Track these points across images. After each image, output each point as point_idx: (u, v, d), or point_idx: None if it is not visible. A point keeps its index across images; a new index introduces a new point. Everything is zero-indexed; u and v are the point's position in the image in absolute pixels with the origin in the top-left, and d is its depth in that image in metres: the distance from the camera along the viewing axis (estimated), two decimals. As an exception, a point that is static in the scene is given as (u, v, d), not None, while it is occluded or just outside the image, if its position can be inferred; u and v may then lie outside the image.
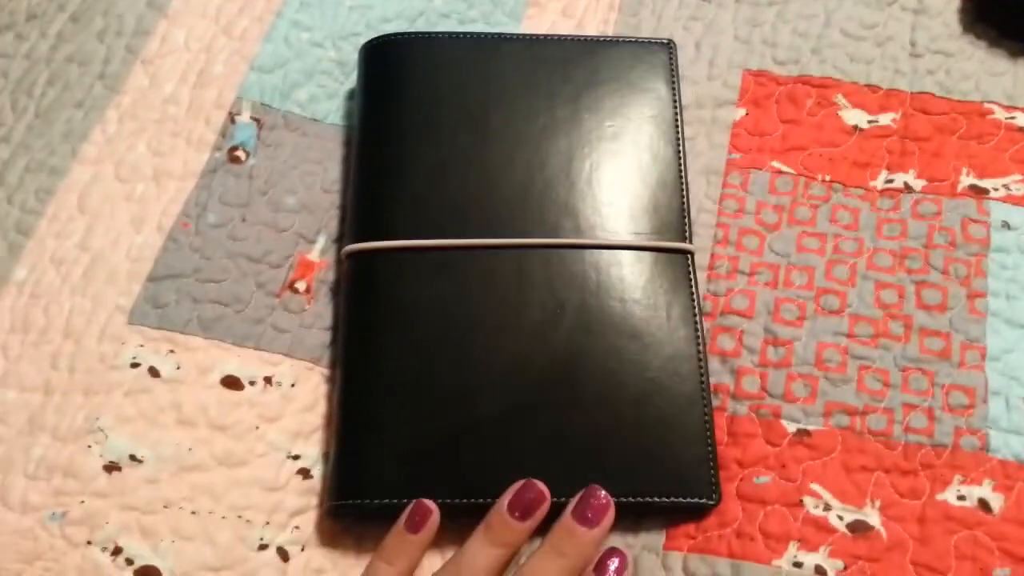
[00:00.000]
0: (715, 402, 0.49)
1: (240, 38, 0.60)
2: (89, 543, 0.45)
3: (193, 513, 0.46)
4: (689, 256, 0.51)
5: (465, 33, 0.57)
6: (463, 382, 0.48)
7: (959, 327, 0.50)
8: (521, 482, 0.44)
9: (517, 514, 0.43)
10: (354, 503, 0.46)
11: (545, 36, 0.58)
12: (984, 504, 0.46)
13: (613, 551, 0.43)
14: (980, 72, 0.58)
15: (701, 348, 0.49)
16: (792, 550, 0.45)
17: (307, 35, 0.60)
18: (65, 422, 0.48)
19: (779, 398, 0.49)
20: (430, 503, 0.44)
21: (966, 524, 0.45)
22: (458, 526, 0.45)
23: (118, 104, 0.57)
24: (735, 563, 0.45)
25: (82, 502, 0.46)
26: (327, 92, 0.59)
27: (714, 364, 0.50)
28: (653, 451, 0.47)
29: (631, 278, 0.50)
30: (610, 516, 0.44)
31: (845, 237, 0.53)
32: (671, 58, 0.57)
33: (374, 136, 0.54)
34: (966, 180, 0.55)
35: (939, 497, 0.46)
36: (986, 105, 0.57)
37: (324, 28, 0.60)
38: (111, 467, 0.47)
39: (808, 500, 0.46)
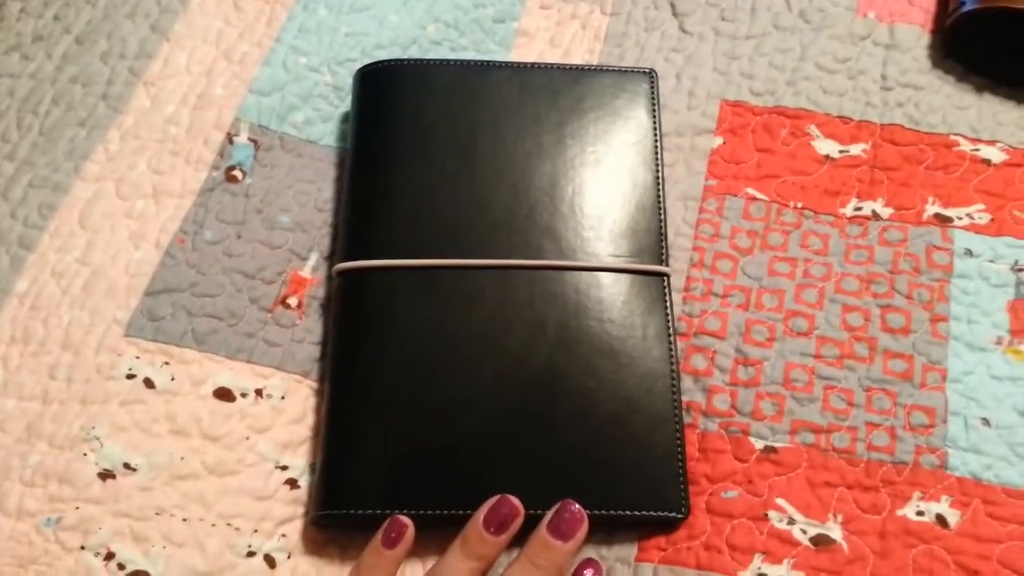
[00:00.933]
0: (687, 419, 0.51)
1: (240, 62, 0.62)
2: (82, 548, 0.47)
3: (184, 520, 0.48)
4: (665, 278, 0.53)
5: (455, 60, 0.59)
6: (447, 398, 0.49)
7: (922, 350, 0.52)
8: (496, 498, 0.46)
9: (492, 529, 0.45)
10: (338, 513, 0.47)
11: (532, 64, 0.59)
12: (941, 519, 0.48)
13: (588, 562, 0.45)
14: (947, 105, 0.61)
15: (675, 367, 0.51)
16: (757, 562, 0.47)
17: (304, 60, 0.62)
18: (62, 430, 0.50)
19: (748, 416, 0.51)
20: (405, 519, 0.46)
21: (924, 539, 0.47)
22: (439, 536, 0.47)
23: (120, 124, 0.59)
24: (703, 574, 0.47)
25: (77, 508, 0.48)
26: (322, 115, 0.61)
27: (687, 382, 0.52)
28: (626, 466, 0.49)
29: (609, 299, 0.52)
30: (583, 529, 0.45)
31: (815, 262, 0.55)
32: (652, 87, 0.59)
33: (366, 158, 0.56)
34: (931, 209, 0.57)
35: (899, 513, 0.48)
36: (952, 137, 0.59)
37: (321, 53, 0.63)
38: (105, 475, 0.49)
39: (773, 514, 0.48)
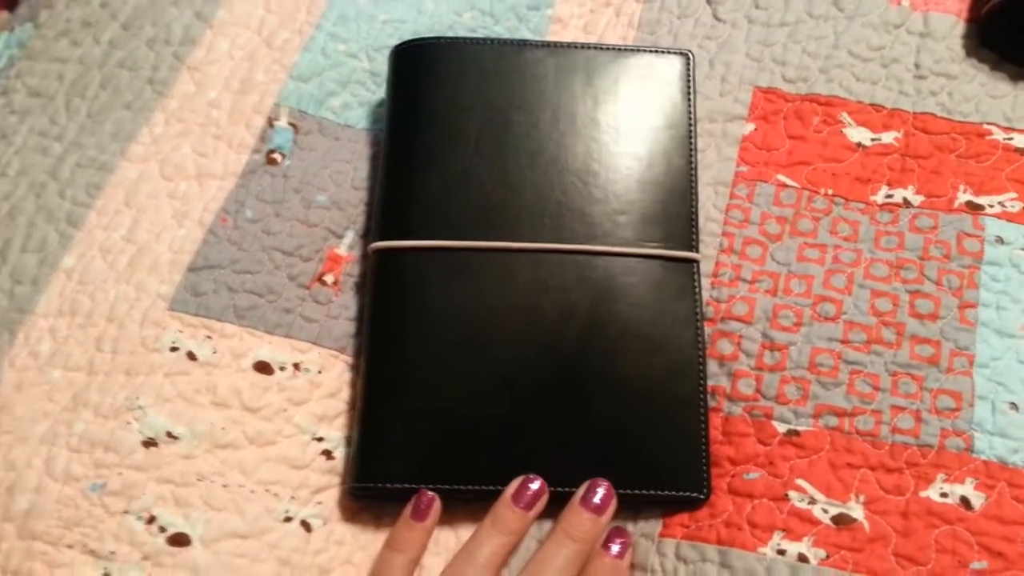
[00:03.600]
0: (712, 403, 0.52)
1: (280, 48, 0.63)
2: (126, 512, 0.49)
3: (224, 486, 0.50)
4: (695, 264, 0.54)
5: (491, 39, 0.59)
6: (478, 377, 0.51)
7: (949, 335, 0.52)
8: (523, 477, 0.48)
9: (521, 505, 0.47)
10: (373, 486, 0.49)
11: (568, 44, 0.59)
12: (966, 501, 0.48)
13: (617, 531, 0.47)
14: (981, 94, 0.60)
15: (701, 353, 0.52)
16: (776, 539, 0.48)
17: (343, 47, 0.64)
18: (107, 400, 0.51)
19: (772, 400, 0.51)
20: (430, 493, 0.48)
21: (947, 520, 0.47)
22: (470, 509, 0.48)
23: (165, 107, 0.61)
24: (723, 550, 0.47)
25: (120, 474, 0.49)
26: (360, 100, 0.62)
27: (712, 367, 0.53)
28: (651, 448, 0.49)
29: (639, 284, 0.53)
30: (614, 504, 0.48)
31: (844, 248, 0.56)
32: (688, 69, 0.59)
33: (401, 138, 0.57)
34: (963, 197, 0.57)
35: (922, 494, 0.48)
36: (985, 126, 0.59)
37: (359, 40, 0.64)
38: (149, 443, 0.50)
39: (794, 494, 0.49)
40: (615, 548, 0.47)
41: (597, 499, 0.47)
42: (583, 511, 0.47)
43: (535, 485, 0.48)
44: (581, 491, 0.48)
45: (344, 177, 0.59)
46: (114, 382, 0.52)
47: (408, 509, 0.48)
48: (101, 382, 0.52)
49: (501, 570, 0.47)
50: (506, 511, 0.47)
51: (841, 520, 0.48)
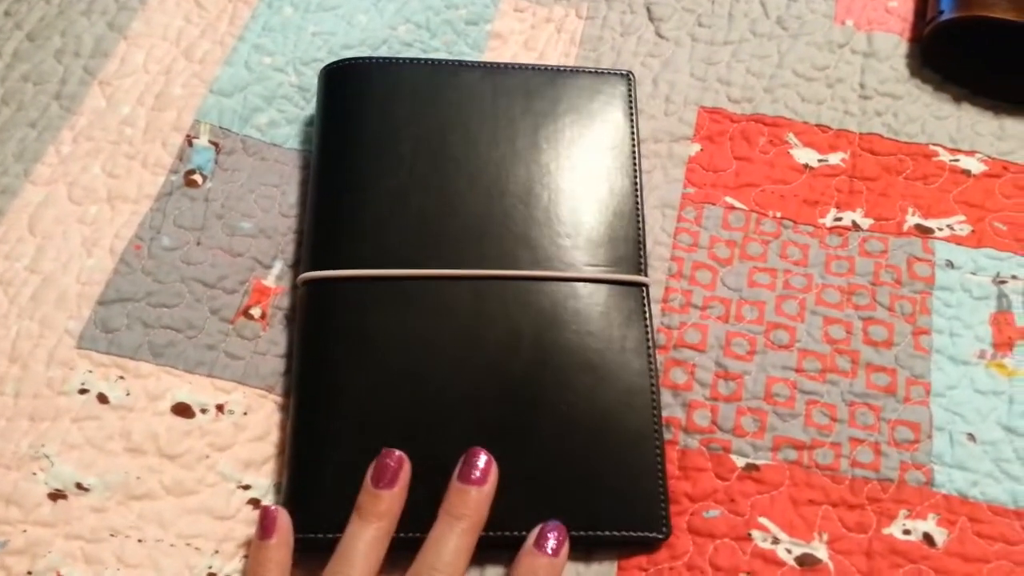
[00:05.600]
0: (667, 435, 0.49)
1: (200, 61, 0.59)
2: (30, 573, 0.44)
3: (140, 541, 0.46)
4: (644, 289, 0.52)
5: (425, 59, 0.58)
6: (418, 415, 0.48)
7: (904, 363, 0.51)
8: (379, 455, 0.45)
9: (383, 484, 0.45)
10: (306, 538, 0.45)
11: (506, 64, 0.58)
12: (928, 538, 0.47)
13: (550, 526, 0.45)
14: (926, 115, 0.60)
15: (654, 382, 0.49)
16: (741, 583, 0.46)
17: (269, 59, 0.60)
18: (9, 448, 0.47)
19: (729, 432, 0.49)
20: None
21: (911, 558, 0.46)
22: (407, 557, 0.45)
23: (73, 125, 0.57)
24: (685, 596, 0.45)
25: (24, 531, 0.45)
26: (287, 117, 0.59)
27: (666, 397, 0.50)
28: (605, 484, 0.47)
29: (587, 310, 0.51)
30: (567, 547, 0.45)
31: (795, 273, 0.54)
32: (630, 89, 0.58)
33: (331, 161, 0.54)
34: (912, 219, 0.56)
35: (885, 531, 0.47)
36: (931, 147, 0.59)
37: (286, 53, 0.60)
38: (56, 495, 0.46)
39: (756, 534, 0.47)
40: (550, 544, 0.44)
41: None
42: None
43: (391, 457, 0.45)
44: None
45: (271, 202, 0.56)
46: (17, 428, 0.47)
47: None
48: (2, 429, 0.48)
49: (380, 562, 0.44)
50: (369, 496, 0.44)
51: (805, 561, 0.46)
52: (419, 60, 0.57)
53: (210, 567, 0.46)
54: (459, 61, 0.58)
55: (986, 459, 0.49)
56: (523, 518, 0.46)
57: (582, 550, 0.46)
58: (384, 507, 0.44)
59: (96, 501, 0.46)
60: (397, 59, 0.57)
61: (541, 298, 0.51)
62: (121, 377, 0.49)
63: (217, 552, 0.46)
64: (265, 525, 0.45)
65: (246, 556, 0.46)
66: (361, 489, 0.45)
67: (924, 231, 0.56)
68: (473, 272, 0.51)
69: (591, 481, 0.47)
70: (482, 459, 0.45)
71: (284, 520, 0.45)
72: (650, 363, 0.50)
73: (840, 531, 0.47)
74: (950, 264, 0.55)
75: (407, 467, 0.45)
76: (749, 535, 0.47)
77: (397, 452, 0.45)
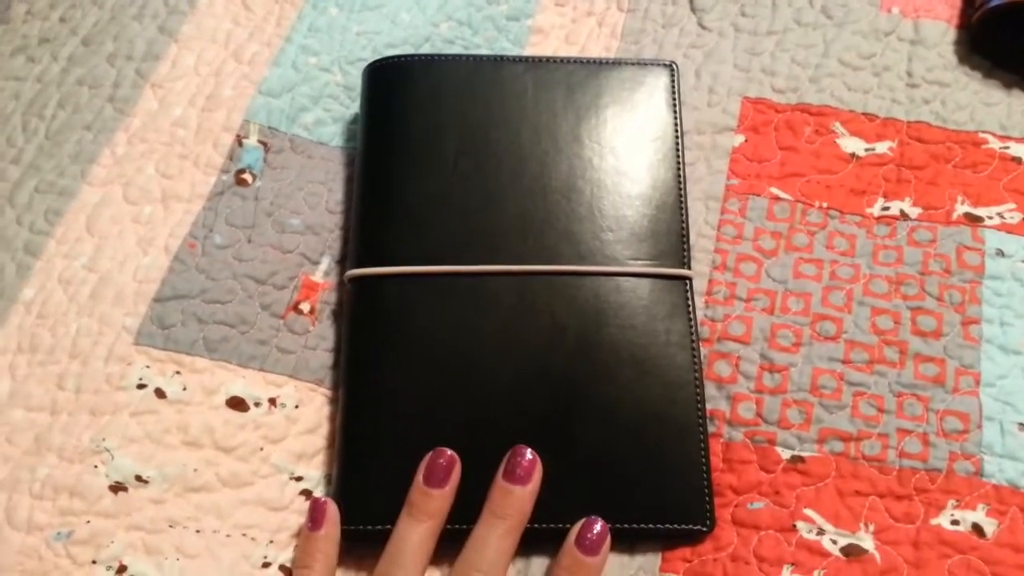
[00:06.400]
0: (711, 428, 0.50)
1: (249, 62, 0.61)
2: (94, 562, 0.46)
3: (198, 532, 0.47)
4: (688, 282, 0.52)
5: (467, 55, 0.58)
6: (464, 409, 0.48)
7: (953, 353, 0.51)
8: (430, 454, 0.46)
9: (434, 483, 0.45)
10: (355, 529, 0.46)
11: (548, 58, 0.58)
12: (978, 529, 0.46)
13: (591, 522, 0.45)
14: (975, 102, 0.59)
15: (698, 375, 0.49)
16: (786, 573, 0.45)
17: (315, 60, 0.61)
18: (71, 442, 0.48)
19: (774, 424, 0.49)
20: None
21: (960, 549, 0.46)
22: (457, 548, 0.46)
23: (127, 127, 0.58)
24: (731, 586, 0.45)
25: (88, 522, 0.47)
26: (333, 116, 0.60)
27: (710, 390, 0.51)
28: (650, 478, 0.47)
29: (630, 305, 0.51)
30: (608, 544, 0.45)
31: (842, 264, 0.54)
32: (673, 81, 0.57)
33: (376, 159, 0.55)
34: (961, 208, 0.56)
35: (933, 522, 0.46)
36: (980, 135, 0.58)
37: (331, 53, 0.61)
38: (117, 487, 0.48)
39: (801, 525, 0.47)
40: (592, 541, 0.45)
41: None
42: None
43: (443, 457, 0.46)
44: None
45: (318, 199, 0.57)
46: (78, 423, 0.49)
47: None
48: (65, 423, 0.49)
49: (429, 559, 0.45)
50: (420, 494, 0.45)
51: (851, 551, 0.46)
52: (460, 56, 0.57)
53: (265, 557, 0.47)
54: (501, 56, 0.58)
55: (1038, 450, 0.48)
56: (568, 511, 0.46)
57: (626, 542, 0.47)
58: (435, 506, 0.45)
59: (155, 493, 0.48)
60: (439, 56, 0.58)
61: (584, 293, 0.51)
62: (178, 372, 0.51)
63: (272, 542, 0.47)
64: (315, 517, 0.46)
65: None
66: (412, 487, 0.46)
67: (974, 220, 0.55)
68: (516, 268, 0.51)
69: (635, 474, 0.47)
70: (526, 458, 0.46)
71: (333, 512, 0.46)
72: (694, 356, 0.50)
73: (887, 522, 0.47)
74: (1000, 253, 0.54)
75: (458, 467, 0.46)
76: (794, 526, 0.47)
77: (449, 452, 0.46)
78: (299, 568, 0.45)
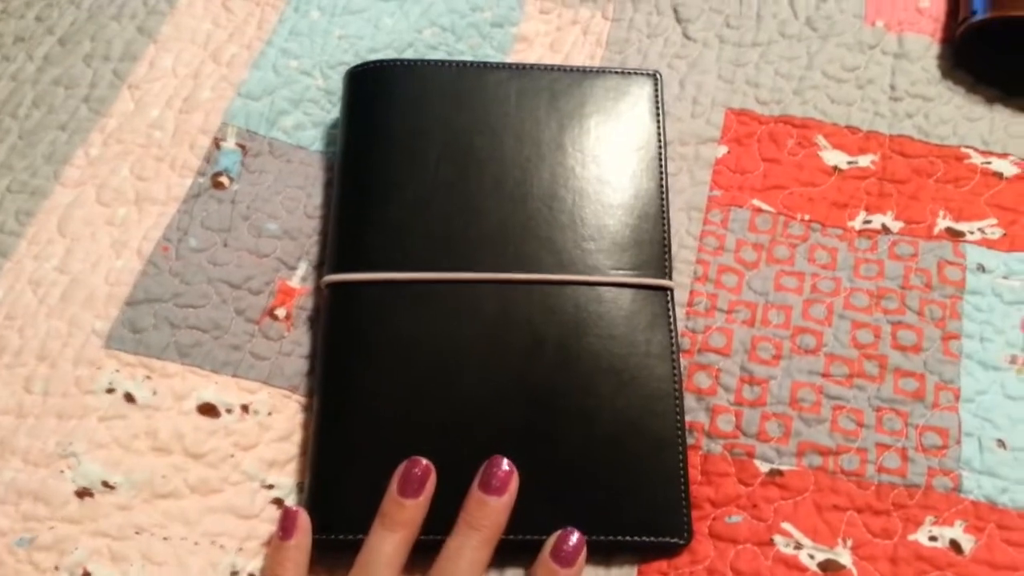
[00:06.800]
0: (690, 440, 0.49)
1: (228, 64, 0.60)
2: (57, 568, 0.45)
3: (165, 539, 0.46)
4: (669, 293, 0.51)
5: (450, 61, 0.57)
6: (440, 418, 0.47)
7: (933, 368, 0.50)
8: (405, 463, 0.46)
9: (408, 493, 0.45)
10: (326, 538, 0.45)
11: (531, 65, 0.57)
12: (956, 545, 0.46)
13: (567, 533, 0.45)
14: (957, 117, 0.59)
15: (678, 387, 0.49)
16: (764, 589, 0.45)
17: (295, 63, 0.60)
18: (37, 446, 0.47)
19: (753, 437, 0.49)
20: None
21: (937, 565, 0.45)
22: (422, 559, 0.45)
23: (103, 127, 0.57)
24: (707, 601, 0.45)
25: (51, 528, 0.46)
26: (313, 120, 0.59)
27: (690, 402, 0.50)
28: (627, 490, 0.47)
29: (610, 315, 0.50)
30: (584, 556, 0.45)
31: (823, 276, 0.54)
32: (657, 90, 0.57)
33: (356, 163, 0.54)
34: (943, 223, 0.55)
35: (911, 537, 0.46)
36: (963, 149, 0.58)
37: (313, 57, 0.61)
38: (83, 492, 0.47)
39: (779, 539, 0.46)
40: (567, 553, 0.44)
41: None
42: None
43: (417, 467, 0.45)
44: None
45: (296, 204, 0.56)
46: (45, 426, 0.48)
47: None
48: (31, 426, 0.48)
49: (401, 570, 0.44)
50: (394, 504, 0.44)
51: (829, 567, 0.45)
52: (443, 61, 0.57)
53: (233, 565, 0.46)
54: (483, 62, 0.57)
55: (1017, 466, 0.48)
56: (544, 522, 0.45)
57: (602, 554, 0.46)
58: (408, 516, 0.44)
59: (122, 499, 0.47)
60: (421, 61, 0.57)
61: (564, 302, 0.50)
62: (148, 377, 0.50)
63: (240, 550, 0.46)
64: (285, 526, 0.45)
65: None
66: (385, 496, 0.45)
67: (955, 234, 0.55)
68: (496, 276, 0.51)
69: (613, 486, 0.47)
70: (503, 468, 0.45)
71: (304, 521, 0.45)
72: (674, 368, 0.49)
73: (865, 537, 0.46)
74: (981, 268, 0.54)
75: (433, 477, 0.45)
76: (772, 540, 0.46)
77: (424, 461, 0.46)
78: (383, 528, 0.44)
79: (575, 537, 0.44)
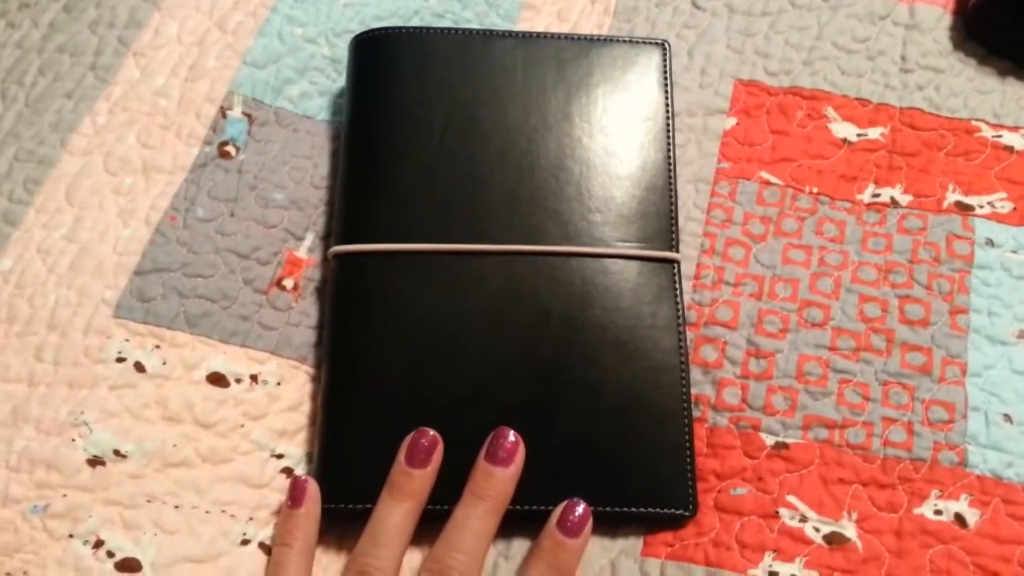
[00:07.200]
0: (695, 413, 0.49)
1: (233, 32, 0.59)
2: (71, 536, 0.45)
3: (176, 507, 0.46)
4: (676, 265, 0.51)
5: (456, 29, 0.57)
6: (447, 388, 0.48)
7: (941, 343, 0.51)
8: (412, 434, 0.46)
9: (416, 463, 0.45)
10: (335, 507, 0.46)
11: (538, 34, 0.57)
12: (960, 519, 0.46)
13: (572, 504, 0.45)
14: (969, 89, 0.59)
15: (684, 359, 0.49)
16: (768, 560, 0.45)
17: (301, 31, 0.60)
18: (49, 415, 0.48)
19: (759, 410, 0.49)
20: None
21: (942, 539, 0.46)
22: (430, 529, 0.45)
23: (109, 95, 0.57)
24: (711, 571, 0.45)
25: (65, 495, 0.46)
26: (319, 89, 0.59)
27: (696, 375, 0.50)
28: (633, 462, 0.47)
29: (617, 287, 0.50)
30: (590, 526, 0.45)
31: (830, 250, 0.54)
32: (665, 60, 0.57)
33: (362, 133, 0.54)
34: (952, 196, 0.55)
35: (916, 511, 0.46)
36: (974, 123, 0.57)
37: (318, 24, 0.60)
38: (95, 461, 0.47)
39: (784, 512, 0.47)
40: (573, 523, 0.44)
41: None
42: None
43: (425, 437, 0.45)
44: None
45: (303, 174, 0.56)
46: (56, 395, 0.48)
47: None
48: (42, 395, 0.48)
49: (409, 539, 0.44)
50: (402, 475, 0.45)
51: (834, 539, 0.46)
52: (449, 29, 0.56)
53: (244, 534, 0.46)
54: (490, 30, 0.57)
55: (1023, 440, 0.48)
56: (550, 493, 0.46)
57: (608, 526, 0.47)
58: (416, 486, 0.45)
59: (133, 468, 0.47)
60: (427, 29, 0.57)
61: (570, 274, 0.50)
62: (157, 346, 0.50)
63: (251, 519, 0.47)
64: (295, 495, 0.45)
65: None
66: (393, 467, 0.45)
67: (964, 208, 0.55)
68: (502, 247, 0.51)
69: (618, 458, 0.47)
70: (509, 439, 0.46)
71: (313, 490, 0.46)
72: (680, 340, 0.49)
73: (870, 510, 0.47)
74: (990, 242, 0.54)
75: (440, 447, 0.46)
76: (777, 513, 0.47)
77: (431, 432, 0.46)
78: (278, 546, 0.45)
79: (581, 508, 0.45)
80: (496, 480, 0.45)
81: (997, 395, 0.49)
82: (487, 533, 0.44)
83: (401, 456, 0.45)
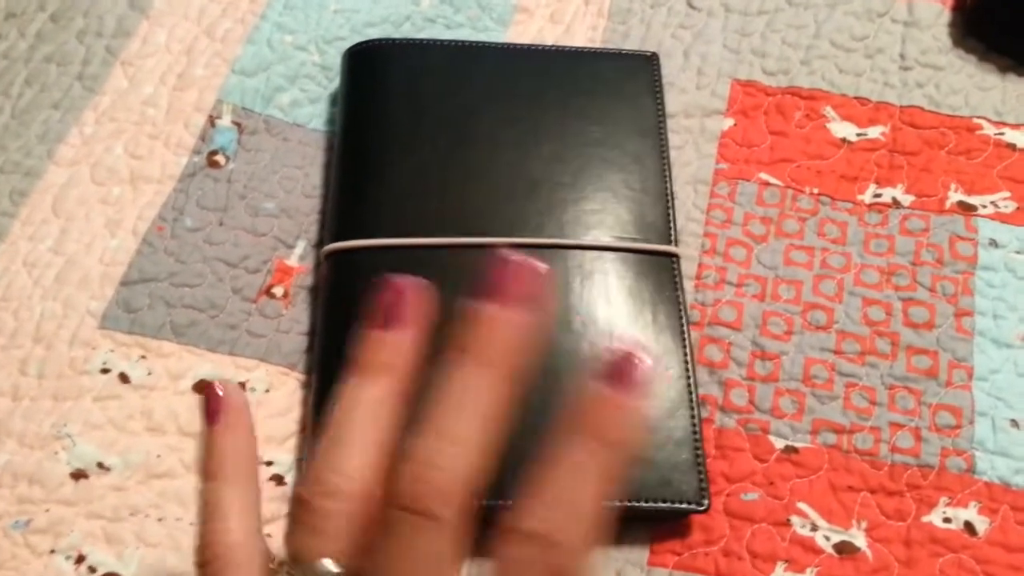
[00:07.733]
0: (704, 413, 0.48)
1: (222, 40, 0.59)
2: (52, 551, 0.44)
3: (160, 520, 0.45)
4: (675, 259, 0.50)
5: (449, 41, 0.57)
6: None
7: (946, 346, 0.49)
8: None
9: (383, 323, 0.31)
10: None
11: (528, 46, 0.58)
12: (969, 527, 0.45)
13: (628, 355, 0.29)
14: (969, 87, 0.58)
15: (688, 352, 0.48)
16: (779, 570, 0.44)
17: (290, 38, 0.59)
18: (32, 428, 0.47)
19: (767, 413, 0.48)
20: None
21: (951, 547, 0.44)
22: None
23: (96, 105, 0.56)
24: (719, 582, 0.44)
25: (47, 510, 0.45)
26: (310, 96, 0.58)
27: (702, 375, 0.49)
28: (642, 456, 0.45)
29: (616, 281, 0.49)
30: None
31: (832, 251, 0.52)
32: (654, 71, 0.57)
33: (355, 139, 0.53)
34: (954, 196, 0.54)
35: (925, 519, 0.45)
36: (975, 120, 0.56)
37: (308, 31, 0.59)
38: (78, 474, 0.46)
39: (795, 519, 0.45)
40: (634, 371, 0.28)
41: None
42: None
43: (389, 287, 0.31)
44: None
45: (294, 183, 0.55)
46: (40, 408, 0.47)
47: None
48: (26, 408, 0.47)
49: (392, 430, 0.30)
50: (369, 345, 0.30)
51: (844, 549, 0.44)
52: (442, 42, 0.57)
53: (231, 549, 0.45)
54: (482, 43, 0.57)
55: (1031, 445, 0.47)
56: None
57: (618, 522, 0.45)
58: (387, 356, 0.30)
59: (117, 480, 0.46)
60: (420, 41, 0.57)
61: (568, 268, 0.49)
62: (143, 357, 0.49)
63: (239, 534, 0.45)
64: (210, 409, 0.33)
65: (268, 535, 0.45)
66: (357, 338, 0.31)
67: (967, 208, 0.54)
68: (497, 240, 0.49)
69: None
70: (637, 360, 0.29)
71: (235, 400, 0.33)
72: (683, 335, 0.48)
73: (879, 518, 0.45)
74: (994, 243, 0.52)
75: (423, 300, 0.31)
76: (788, 520, 0.45)
77: (406, 279, 0.31)
78: (357, 377, 0.30)
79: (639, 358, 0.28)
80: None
81: (1003, 400, 0.48)
82: (497, 403, 0.29)
83: (366, 320, 0.31)
